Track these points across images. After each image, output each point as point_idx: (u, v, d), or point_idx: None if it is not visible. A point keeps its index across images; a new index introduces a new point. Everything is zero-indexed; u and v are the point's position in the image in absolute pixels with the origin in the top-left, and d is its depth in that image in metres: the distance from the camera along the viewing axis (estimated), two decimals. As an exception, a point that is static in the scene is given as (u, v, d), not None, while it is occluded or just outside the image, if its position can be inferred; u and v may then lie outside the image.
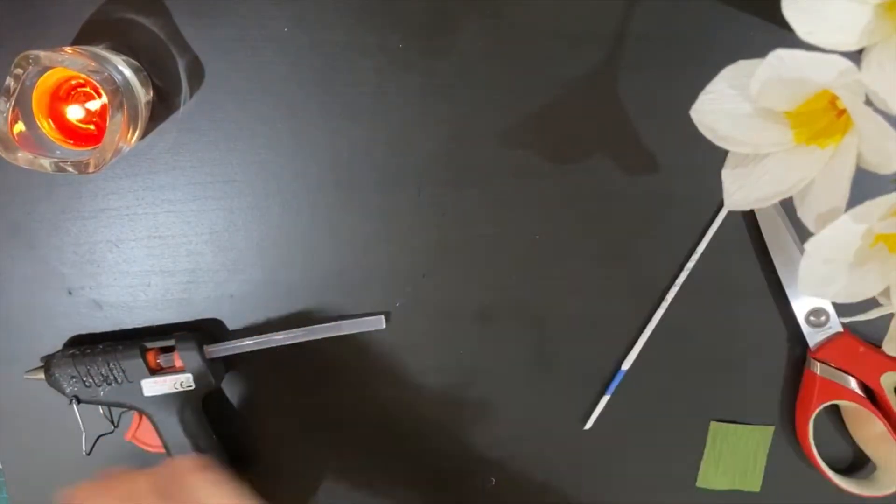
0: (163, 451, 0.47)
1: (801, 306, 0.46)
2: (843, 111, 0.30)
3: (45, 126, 0.40)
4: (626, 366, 0.48)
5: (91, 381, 0.45)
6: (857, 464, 0.49)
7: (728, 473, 0.50)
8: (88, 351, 0.45)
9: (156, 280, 0.47)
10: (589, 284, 0.47)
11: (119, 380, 0.45)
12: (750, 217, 0.46)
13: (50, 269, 0.46)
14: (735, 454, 0.49)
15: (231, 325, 0.48)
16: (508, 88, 0.44)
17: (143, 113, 0.41)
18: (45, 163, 0.38)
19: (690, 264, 0.46)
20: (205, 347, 0.45)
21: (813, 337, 0.46)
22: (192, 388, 0.45)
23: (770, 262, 0.46)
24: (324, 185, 0.45)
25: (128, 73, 0.40)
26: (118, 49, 0.42)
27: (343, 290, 0.47)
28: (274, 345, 0.47)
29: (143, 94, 0.41)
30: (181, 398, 0.45)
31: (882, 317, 0.33)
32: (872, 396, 0.46)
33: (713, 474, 0.50)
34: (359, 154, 0.45)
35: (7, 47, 0.42)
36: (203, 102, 0.44)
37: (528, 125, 0.44)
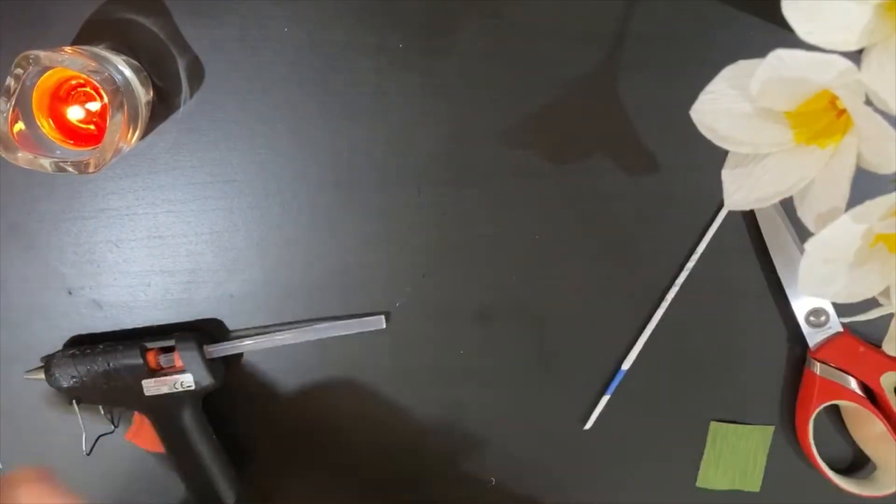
0: (163, 450, 0.47)
1: (801, 306, 0.46)
2: (843, 111, 0.30)
3: (46, 126, 0.40)
4: (626, 366, 0.48)
5: (91, 381, 0.45)
6: (857, 464, 0.49)
7: (728, 473, 0.50)
8: (88, 351, 0.45)
9: (156, 280, 0.47)
10: (589, 284, 0.47)
11: (119, 380, 0.45)
12: (750, 217, 0.46)
13: (50, 269, 0.46)
14: (735, 454, 0.49)
15: (231, 325, 0.48)
16: (508, 88, 0.44)
17: (143, 113, 0.41)
18: (45, 163, 0.38)
19: (690, 264, 0.46)
20: (205, 347, 0.45)
21: (813, 337, 0.46)
22: (192, 388, 0.45)
23: (770, 262, 0.46)
24: (324, 185, 0.45)
25: (128, 73, 0.40)
26: (118, 49, 0.42)
27: (343, 290, 0.47)
28: (274, 345, 0.47)
29: (143, 94, 0.41)
30: (181, 398, 0.45)
31: (882, 317, 0.33)
32: (872, 396, 0.46)
33: (713, 474, 0.50)
34: (359, 154, 0.45)
35: (7, 47, 0.42)
36: (203, 102, 0.44)
37: (528, 125, 0.44)
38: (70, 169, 0.38)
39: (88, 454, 0.47)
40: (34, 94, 0.39)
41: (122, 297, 0.47)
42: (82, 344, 0.46)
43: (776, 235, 0.45)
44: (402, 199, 0.46)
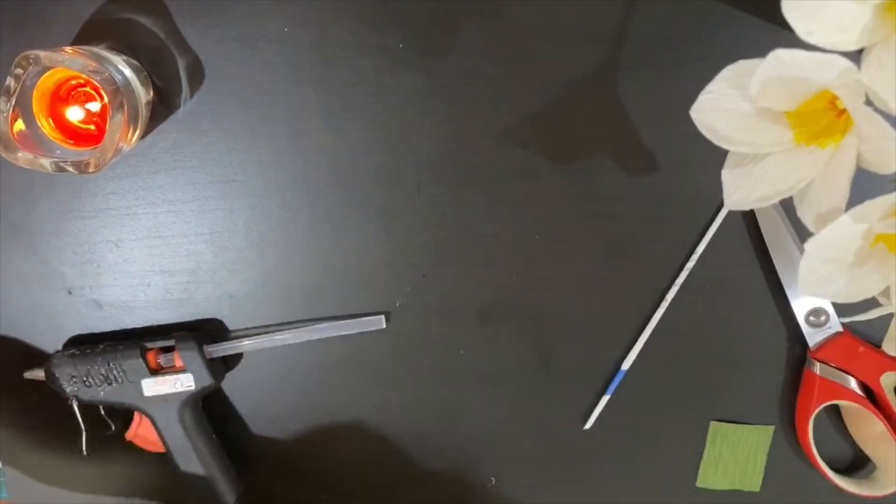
0: (163, 450, 0.47)
1: (800, 306, 0.46)
2: (843, 111, 0.30)
3: (46, 126, 0.40)
4: (626, 366, 0.48)
5: (91, 381, 0.45)
6: (857, 464, 0.49)
7: (728, 473, 0.50)
8: (88, 351, 0.45)
9: (156, 280, 0.47)
10: (589, 284, 0.47)
11: (119, 380, 0.45)
12: (750, 217, 0.46)
13: (50, 269, 0.46)
14: (735, 454, 0.49)
15: (231, 325, 0.48)
16: (508, 88, 0.44)
17: (144, 113, 0.41)
18: (46, 163, 0.38)
19: (690, 264, 0.46)
20: (205, 347, 0.45)
21: (813, 337, 0.46)
22: (192, 388, 0.45)
23: (770, 262, 0.46)
24: (324, 185, 0.45)
25: (128, 73, 0.40)
26: (118, 49, 0.42)
27: (343, 290, 0.47)
28: (274, 345, 0.47)
29: (143, 94, 0.41)
30: (181, 398, 0.45)
31: (882, 317, 0.33)
32: (872, 396, 0.46)
33: (713, 474, 0.50)
34: (359, 154, 0.45)
35: (7, 47, 0.42)
36: (203, 102, 0.44)
37: (528, 125, 0.44)
38: (70, 169, 0.38)
39: (88, 454, 0.47)
40: (34, 94, 0.39)
41: (122, 297, 0.47)
42: (82, 344, 0.46)
43: (776, 235, 0.45)
44: (402, 199, 0.46)
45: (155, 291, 0.47)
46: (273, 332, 0.47)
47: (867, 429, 0.47)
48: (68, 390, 0.45)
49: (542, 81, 0.44)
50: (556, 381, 0.49)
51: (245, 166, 0.45)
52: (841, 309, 0.46)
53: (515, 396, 0.49)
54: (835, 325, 0.46)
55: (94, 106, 0.41)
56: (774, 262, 0.46)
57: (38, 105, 0.39)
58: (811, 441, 0.47)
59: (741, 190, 0.33)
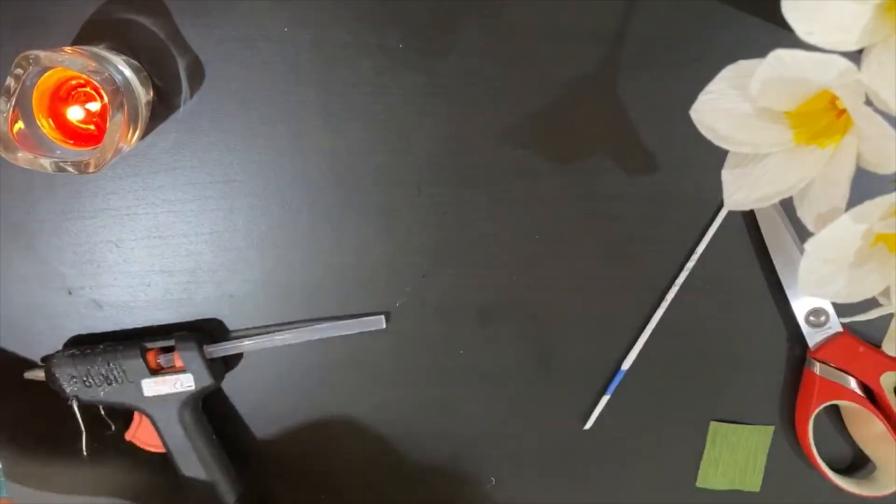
0: (163, 450, 0.47)
1: (800, 306, 0.46)
2: (843, 111, 0.30)
3: (46, 126, 0.40)
4: (626, 366, 0.48)
5: (91, 381, 0.45)
6: (857, 464, 0.49)
7: (728, 473, 0.50)
8: (88, 351, 0.45)
9: (156, 280, 0.47)
10: (589, 284, 0.47)
11: (119, 380, 0.45)
12: (750, 217, 0.46)
13: (50, 269, 0.46)
14: (735, 454, 0.49)
15: (231, 325, 0.48)
16: (508, 88, 0.44)
17: (144, 113, 0.41)
18: (45, 163, 0.38)
19: (690, 264, 0.46)
20: (205, 347, 0.45)
21: (813, 337, 0.46)
22: (192, 388, 0.45)
23: (770, 262, 0.46)
24: (324, 185, 0.45)
25: (128, 73, 0.40)
26: (118, 49, 0.42)
27: (343, 290, 0.47)
28: (274, 345, 0.47)
29: (143, 94, 0.41)
30: (181, 398, 0.45)
31: (882, 317, 0.33)
32: (872, 396, 0.46)
33: (713, 474, 0.50)
34: (359, 154, 0.45)
35: (7, 47, 0.42)
36: (203, 102, 0.44)
37: (528, 125, 0.44)
38: (70, 169, 0.38)
39: (88, 454, 0.47)
40: (34, 94, 0.39)
41: (122, 297, 0.47)
42: (82, 344, 0.46)
43: (776, 235, 0.45)
44: (402, 199, 0.46)
45: (155, 291, 0.47)
46: (273, 332, 0.47)
47: (867, 429, 0.47)
48: (68, 390, 0.45)
49: (542, 81, 0.44)
50: (556, 381, 0.49)
51: (245, 166, 0.45)
52: (841, 309, 0.46)
53: (515, 396, 0.49)
54: (835, 325, 0.46)
55: (94, 106, 0.41)
56: (774, 262, 0.46)
57: (38, 105, 0.39)
58: (811, 441, 0.47)
59: (741, 190, 0.33)
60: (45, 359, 0.45)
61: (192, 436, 0.46)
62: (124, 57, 0.41)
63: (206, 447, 0.46)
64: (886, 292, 0.31)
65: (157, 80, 0.43)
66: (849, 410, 0.48)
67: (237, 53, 0.43)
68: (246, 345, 0.46)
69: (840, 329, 0.46)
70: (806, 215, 0.31)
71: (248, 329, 0.48)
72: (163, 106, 0.44)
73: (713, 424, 0.49)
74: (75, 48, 0.40)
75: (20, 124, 0.38)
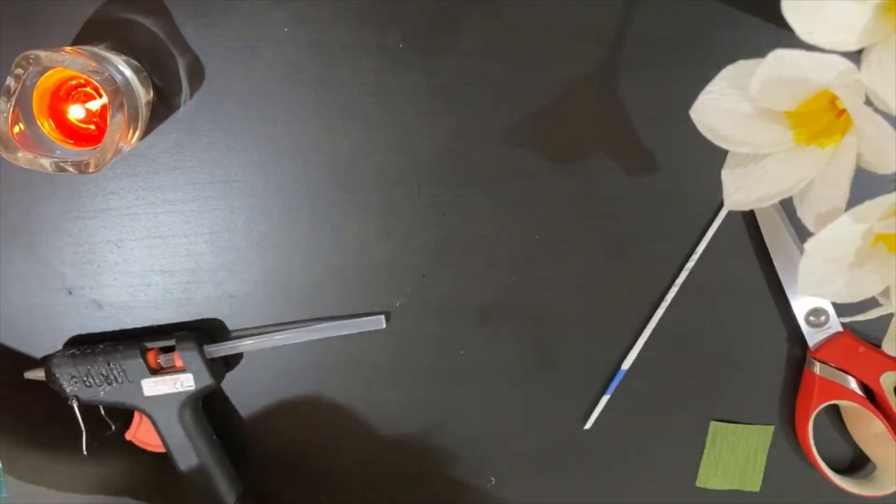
0: (163, 450, 0.47)
1: (800, 306, 0.46)
2: (843, 111, 0.30)
3: (46, 126, 0.40)
4: (626, 366, 0.48)
5: (91, 381, 0.45)
6: (856, 464, 0.49)
7: (728, 473, 0.50)
8: (88, 351, 0.45)
9: (156, 280, 0.47)
10: (589, 284, 0.47)
11: (119, 380, 0.45)
12: (750, 217, 0.46)
13: (50, 269, 0.46)
14: (735, 454, 0.49)
15: (231, 325, 0.48)
16: (508, 88, 0.44)
17: (144, 113, 0.41)
18: (46, 163, 0.38)
19: (690, 264, 0.46)
20: (205, 347, 0.45)
21: (813, 337, 0.46)
22: (192, 388, 0.45)
23: (770, 262, 0.46)
24: (324, 185, 0.45)
25: (128, 73, 0.40)
26: (118, 49, 0.42)
27: (343, 290, 0.47)
28: (274, 345, 0.47)
29: (144, 94, 0.41)
30: (181, 398, 0.45)
31: (882, 317, 0.33)
32: (872, 396, 0.46)
33: (713, 474, 0.50)
34: (359, 154, 0.45)
35: (7, 47, 0.42)
36: (203, 102, 0.44)
37: (528, 125, 0.44)
38: (70, 169, 0.38)
39: (88, 454, 0.47)
40: (34, 94, 0.39)
41: (122, 297, 0.47)
42: (82, 344, 0.46)
43: (776, 235, 0.45)
44: (402, 199, 0.46)
45: (155, 291, 0.47)
46: (273, 332, 0.47)
47: (867, 429, 0.47)
48: (68, 390, 0.45)
49: (542, 81, 0.44)
50: (556, 381, 0.49)
51: (245, 166, 0.45)
52: (841, 309, 0.46)
53: (515, 396, 0.49)
54: (835, 325, 0.46)
55: (95, 106, 0.41)
56: (774, 262, 0.46)
57: (38, 105, 0.39)
58: (811, 441, 0.47)
59: (741, 190, 0.33)
60: (45, 359, 0.45)
61: (192, 436, 0.46)
62: (124, 57, 0.41)
63: (206, 447, 0.46)
64: (886, 292, 0.31)
65: (157, 80, 0.43)
66: (849, 410, 0.48)
67: (237, 53, 0.43)
68: (246, 345, 0.46)
69: (840, 329, 0.46)
70: (806, 215, 0.31)
71: (248, 329, 0.48)
72: (163, 106, 0.44)
73: (713, 424, 0.49)
74: (75, 48, 0.40)
75: (20, 124, 0.38)
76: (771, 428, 0.49)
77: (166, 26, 0.42)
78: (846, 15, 0.27)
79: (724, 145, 0.32)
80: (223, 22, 0.43)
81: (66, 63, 0.36)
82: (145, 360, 0.45)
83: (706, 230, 0.46)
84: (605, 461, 0.50)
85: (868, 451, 0.48)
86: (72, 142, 0.40)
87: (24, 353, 0.47)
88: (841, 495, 0.47)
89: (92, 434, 0.46)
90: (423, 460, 0.50)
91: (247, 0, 0.42)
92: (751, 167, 0.33)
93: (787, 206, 0.44)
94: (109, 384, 0.45)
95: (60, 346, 0.47)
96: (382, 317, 0.47)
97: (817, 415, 0.47)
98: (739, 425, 0.49)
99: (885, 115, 0.27)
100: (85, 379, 0.45)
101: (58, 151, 0.40)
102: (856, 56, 0.28)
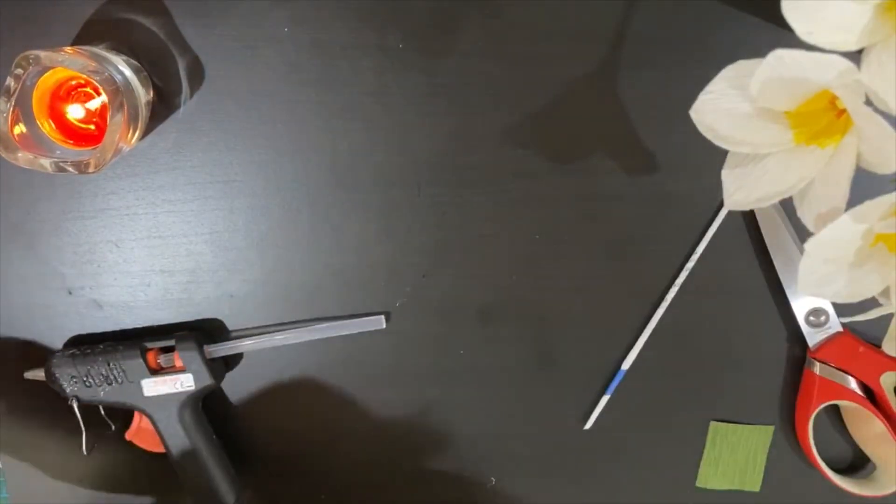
0: (163, 450, 0.47)
1: (800, 306, 0.46)
2: (843, 111, 0.30)
3: (46, 126, 0.40)
4: (626, 366, 0.48)
5: (91, 381, 0.45)
6: (856, 464, 0.49)
7: (728, 473, 0.50)
8: (88, 351, 0.45)
9: (156, 280, 0.47)
10: (589, 284, 0.47)
11: (119, 380, 0.45)
12: (750, 217, 0.46)
13: (50, 269, 0.46)
14: (735, 454, 0.49)
15: (231, 325, 0.48)
16: (508, 88, 0.44)
17: (144, 113, 0.41)
18: (45, 163, 0.38)
19: (690, 264, 0.46)
20: (205, 347, 0.45)
21: (813, 337, 0.46)
22: (192, 388, 0.45)
23: (770, 262, 0.46)
24: (324, 185, 0.45)
25: (128, 73, 0.40)
26: (118, 49, 0.42)
27: (343, 290, 0.47)
28: (274, 345, 0.47)
29: (144, 94, 0.41)
30: (181, 398, 0.45)
31: (882, 317, 0.33)
32: (872, 396, 0.46)
33: (713, 474, 0.50)
34: (359, 154, 0.45)
35: (7, 47, 0.42)
36: (203, 102, 0.44)
37: (528, 125, 0.44)
38: (70, 169, 0.38)
39: (88, 454, 0.47)
40: (34, 94, 0.39)
41: (122, 297, 0.47)
42: (82, 344, 0.46)
43: (776, 235, 0.45)
44: (402, 199, 0.46)
45: (155, 291, 0.47)
46: (273, 332, 0.47)
47: (867, 429, 0.47)
48: (68, 390, 0.45)
49: (542, 81, 0.44)
50: (556, 381, 0.49)
51: (245, 166, 0.45)
52: (841, 309, 0.46)
53: (515, 396, 0.49)
54: (835, 325, 0.46)
55: (95, 106, 0.41)
56: (774, 262, 0.46)
57: (38, 105, 0.39)
58: (811, 441, 0.47)
59: (741, 190, 0.33)
60: (46, 359, 0.45)
61: (192, 436, 0.46)
62: (124, 57, 0.41)
63: (206, 447, 0.46)
64: (886, 292, 0.31)
65: (157, 80, 0.43)
66: (849, 410, 0.48)
67: (237, 53, 0.43)
68: (246, 345, 0.46)
69: (840, 329, 0.46)
70: (806, 215, 0.31)
71: (248, 329, 0.48)
72: (163, 106, 0.44)
73: (713, 424, 0.49)
74: (75, 48, 0.40)
75: (20, 125, 0.38)
76: (771, 428, 0.49)
77: (166, 26, 0.42)
78: (846, 15, 0.27)
79: (724, 145, 0.32)
80: (223, 22, 0.43)
81: (66, 63, 0.36)
82: (145, 360, 0.45)
83: (706, 230, 0.46)
84: (605, 461, 0.50)
85: (868, 451, 0.48)
86: (72, 142, 0.40)
87: (24, 353, 0.47)
88: (841, 495, 0.47)
89: (92, 434, 0.46)
90: (423, 460, 0.50)
91: (247, 0, 0.42)
92: (751, 167, 0.33)
93: (787, 206, 0.44)
94: (109, 384, 0.45)
95: (60, 346, 0.47)
96: (382, 317, 0.47)
97: (817, 415, 0.47)
98: (739, 425, 0.49)
99: (885, 115, 0.27)
100: (85, 379, 0.45)
101: (58, 151, 0.40)
102: (856, 56, 0.28)
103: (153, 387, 0.45)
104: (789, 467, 0.49)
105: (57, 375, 0.45)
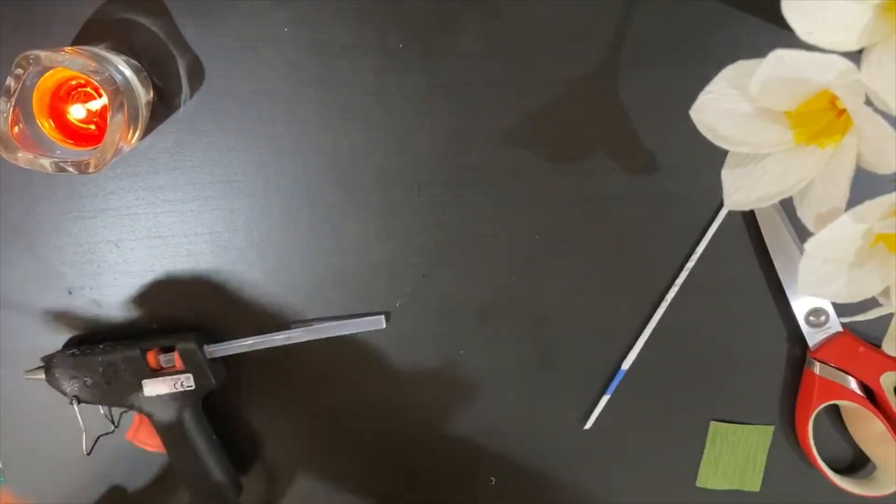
0: (163, 450, 0.47)
1: (800, 306, 0.46)
2: (843, 111, 0.30)
3: (46, 126, 0.40)
4: (626, 366, 0.48)
5: (91, 381, 0.45)
6: (856, 464, 0.49)
7: (728, 473, 0.50)
8: (88, 351, 0.45)
9: (156, 280, 0.47)
10: (589, 284, 0.47)
11: (119, 380, 0.45)
12: (750, 217, 0.46)
13: (50, 269, 0.46)
14: (735, 454, 0.49)
15: (231, 325, 0.47)
16: (508, 88, 0.44)
17: (144, 113, 0.41)
18: (46, 163, 0.38)
19: (690, 264, 0.46)
20: (205, 347, 0.45)
21: (813, 337, 0.46)
22: (192, 388, 0.45)
23: (770, 262, 0.46)
24: (324, 185, 0.45)
25: (128, 73, 0.40)
26: (118, 49, 0.42)
27: (343, 290, 0.47)
28: (274, 345, 0.47)
29: (144, 94, 0.41)
30: (181, 398, 0.45)
31: (882, 317, 0.33)
32: (872, 396, 0.46)
33: (713, 474, 0.50)
34: (359, 154, 0.45)
35: (7, 47, 0.42)
36: (203, 102, 0.44)
37: (528, 125, 0.44)
38: (70, 169, 0.38)
39: (88, 454, 0.47)
40: (34, 94, 0.39)
41: (122, 297, 0.47)
42: (82, 344, 0.46)
43: (776, 235, 0.45)
44: (402, 199, 0.46)
45: (155, 291, 0.47)
46: (273, 332, 0.47)
47: (867, 429, 0.47)
48: (68, 390, 0.45)
49: (542, 81, 0.44)
50: (556, 381, 0.49)
51: (245, 166, 0.45)
52: (841, 309, 0.46)
53: (515, 396, 0.49)
54: (835, 325, 0.46)
55: (95, 106, 0.41)
56: (774, 262, 0.46)
57: (38, 105, 0.39)
58: (811, 441, 0.47)
59: (741, 190, 0.33)
60: (45, 359, 0.45)
61: (192, 436, 0.46)
62: (124, 57, 0.41)
63: (206, 447, 0.46)
64: (886, 292, 0.31)
65: (157, 80, 0.43)
66: (849, 410, 0.48)
67: (237, 53, 0.43)
68: (246, 345, 0.46)
69: (840, 329, 0.46)
70: (806, 215, 0.31)
71: (248, 329, 0.47)
72: (163, 106, 0.44)
73: (713, 424, 0.49)
74: (75, 48, 0.40)
75: (20, 125, 0.38)
76: (771, 428, 0.49)
77: (166, 26, 0.42)
78: (846, 15, 0.27)
79: (724, 145, 0.32)
80: (223, 22, 0.43)
81: (66, 63, 0.37)
82: (145, 360, 0.45)
83: (706, 230, 0.46)
84: (605, 461, 0.50)
85: (868, 451, 0.48)
86: (72, 142, 0.40)
87: (24, 353, 0.47)
88: (841, 495, 0.47)
89: (92, 434, 0.46)
90: (423, 460, 0.50)
91: (247, 0, 0.42)
92: (751, 167, 0.33)
93: (787, 206, 0.44)
94: (109, 384, 0.45)
95: (60, 346, 0.47)
96: (382, 317, 0.47)
97: (817, 415, 0.47)
98: (739, 425, 0.49)
99: (885, 115, 0.27)
100: (85, 379, 0.45)
101: (58, 151, 0.40)
102: (856, 56, 0.28)
103: (153, 387, 0.45)
104: (789, 467, 0.49)
105: (57, 375, 0.45)
